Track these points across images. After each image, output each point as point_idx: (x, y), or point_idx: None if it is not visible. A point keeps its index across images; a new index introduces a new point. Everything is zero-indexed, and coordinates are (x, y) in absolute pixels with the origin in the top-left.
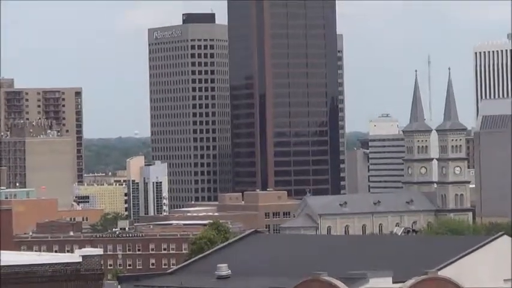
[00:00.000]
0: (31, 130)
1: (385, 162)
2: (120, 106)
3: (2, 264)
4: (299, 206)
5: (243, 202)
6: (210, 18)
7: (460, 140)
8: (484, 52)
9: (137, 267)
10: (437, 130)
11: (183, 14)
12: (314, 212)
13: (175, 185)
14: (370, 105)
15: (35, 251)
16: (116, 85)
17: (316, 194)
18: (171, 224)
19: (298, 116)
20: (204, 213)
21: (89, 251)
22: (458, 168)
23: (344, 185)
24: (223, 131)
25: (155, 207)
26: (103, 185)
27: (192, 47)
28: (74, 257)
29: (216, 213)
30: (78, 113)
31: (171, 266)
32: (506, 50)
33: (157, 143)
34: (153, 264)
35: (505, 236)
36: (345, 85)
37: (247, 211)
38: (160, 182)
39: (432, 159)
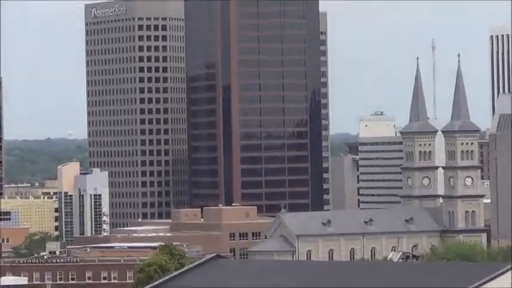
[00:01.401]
0: None
1: (379, 171)
2: (49, 100)
3: None
4: (272, 225)
5: (202, 220)
6: None
7: (472, 144)
8: (502, 36)
9: None
10: (443, 132)
11: None
12: (291, 232)
13: (118, 199)
14: (360, 101)
15: None
16: (44, 75)
17: (293, 210)
18: (112, 246)
19: (271, 113)
20: (154, 234)
21: (10, 280)
22: (469, 179)
23: (328, 199)
24: (178, 132)
25: (93, 226)
26: (28, 198)
27: (140, 27)
28: None
29: (169, 234)
30: None
31: None
32: None
33: (95, 146)
34: None
35: None
36: (329, 75)
37: (208, 231)
38: (100, 195)
39: (437, 167)
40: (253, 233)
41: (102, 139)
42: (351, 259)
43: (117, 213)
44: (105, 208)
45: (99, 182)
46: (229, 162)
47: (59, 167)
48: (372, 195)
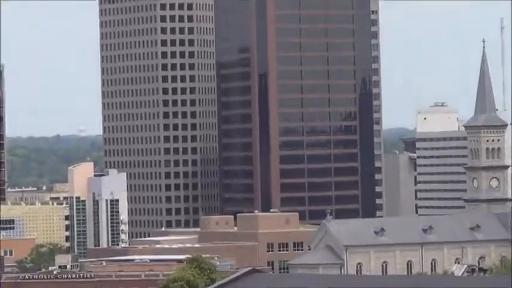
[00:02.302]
0: None
1: (440, 171)
2: (58, 92)
3: None
4: (316, 235)
5: (235, 228)
6: None
7: None
8: None
9: None
10: None
11: None
12: (338, 242)
13: (138, 204)
14: (418, 90)
15: None
16: (52, 62)
17: (340, 216)
18: (132, 260)
19: (314, 105)
20: (180, 245)
21: None
22: None
23: (381, 204)
24: (207, 127)
25: (109, 236)
26: (34, 204)
27: (162, 6)
28: None
29: (197, 245)
30: None
31: None
32: None
33: (112, 144)
34: None
35: None
36: (382, 61)
37: (242, 241)
38: (117, 200)
39: (507, 166)
40: (294, 244)
41: (120, 135)
42: (408, 273)
43: (137, 221)
44: (124, 215)
45: (116, 185)
46: (266, 162)
47: (69, 168)
48: (432, 199)
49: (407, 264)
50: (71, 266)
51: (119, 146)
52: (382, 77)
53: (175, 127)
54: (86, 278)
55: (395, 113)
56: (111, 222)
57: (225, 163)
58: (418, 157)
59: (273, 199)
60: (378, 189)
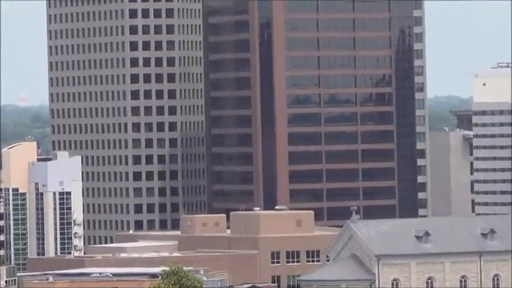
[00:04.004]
0: None
1: (504, 155)
2: None
3: None
4: (337, 240)
5: (228, 232)
6: None
7: None
8: None
9: None
10: None
11: None
12: (367, 251)
13: (96, 199)
14: (473, 47)
15: None
16: None
17: (370, 216)
18: (88, 274)
19: (335, 65)
20: (154, 254)
21: None
22: None
23: (424, 199)
24: (191, 95)
25: (58, 242)
26: None
27: None
28: None
29: (177, 253)
30: None
31: None
32: None
33: (61, 117)
34: None
35: None
36: (426, 7)
37: (238, 249)
38: (69, 193)
39: None
40: (308, 252)
41: (72, 106)
42: None
43: (95, 222)
44: (77, 214)
45: (67, 172)
46: (270, 142)
47: (3, 149)
48: (494, 192)
49: (461, 280)
50: (6, 281)
51: (71, 120)
52: (427, 27)
53: (148, 94)
54: None
55: (444, 77)
56: (61, 223)
57: (215, 143)
58: (475, 136)
59: (279, 192)
60: (420, 179)
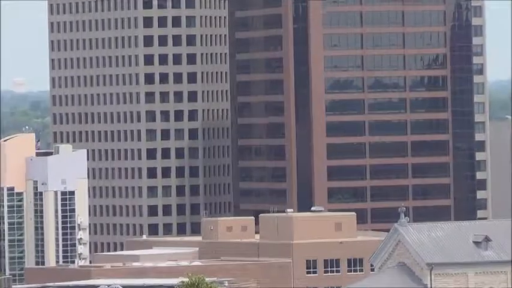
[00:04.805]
0: None
1: None
2: None
3: None
4: (383, 246)
5: (257, 237)
6: None
7: None
8: None
9: None
10: None
11: None
12: (418, 258)
13: (105, 200)
14: None
15: None
16: None
17: (421, 218)
18: (96, 286)
19: (381, 44)
20: (172, 262)
21: None
22: None
23: (484, 199)
24: (214, 79)
25: (60, 249)
26: None
27: None
28: None
29: (198, 262)
30: None
31: None
32: None
33: (64, 105)
34: None
35: None
36: None
37: (268, 256)
38: (72, 192)
39: None
40: (349, 261)
41: (77, 91)
42: None
43: (103, 226)
44: (82, 216)
45: (70, 169)
46: (306, 134)
47: None
48: None
49: None
50: None
51: (75, 108)
52: (487, 1)
53: (164, 78)
54: None
55: (507, 58)
56: (63, 228)
57: (242, 135)
58: None
59: (316, 192)
60: (480, 175)
